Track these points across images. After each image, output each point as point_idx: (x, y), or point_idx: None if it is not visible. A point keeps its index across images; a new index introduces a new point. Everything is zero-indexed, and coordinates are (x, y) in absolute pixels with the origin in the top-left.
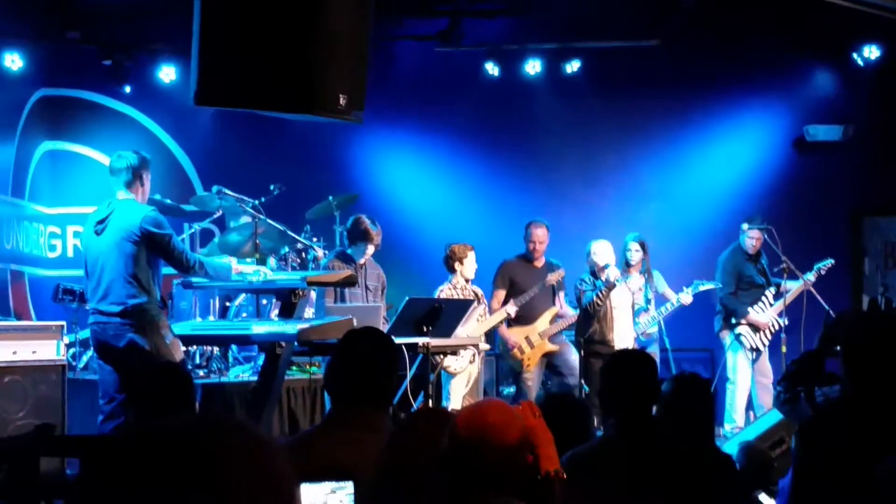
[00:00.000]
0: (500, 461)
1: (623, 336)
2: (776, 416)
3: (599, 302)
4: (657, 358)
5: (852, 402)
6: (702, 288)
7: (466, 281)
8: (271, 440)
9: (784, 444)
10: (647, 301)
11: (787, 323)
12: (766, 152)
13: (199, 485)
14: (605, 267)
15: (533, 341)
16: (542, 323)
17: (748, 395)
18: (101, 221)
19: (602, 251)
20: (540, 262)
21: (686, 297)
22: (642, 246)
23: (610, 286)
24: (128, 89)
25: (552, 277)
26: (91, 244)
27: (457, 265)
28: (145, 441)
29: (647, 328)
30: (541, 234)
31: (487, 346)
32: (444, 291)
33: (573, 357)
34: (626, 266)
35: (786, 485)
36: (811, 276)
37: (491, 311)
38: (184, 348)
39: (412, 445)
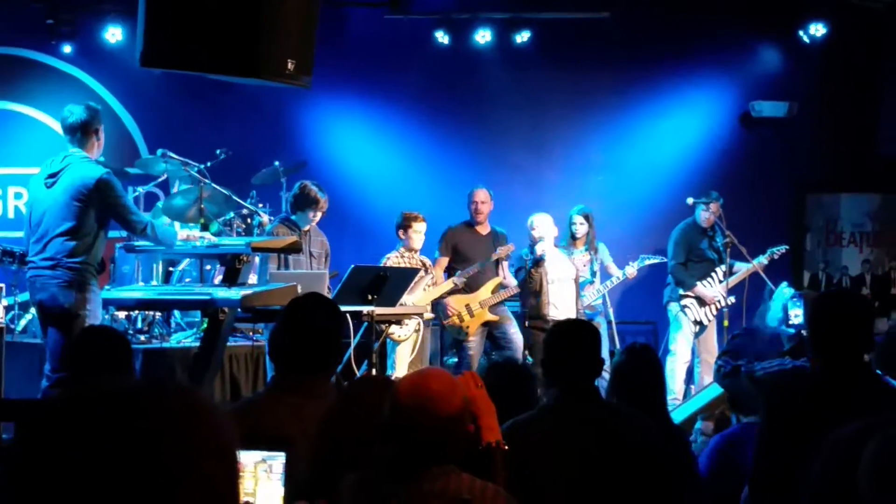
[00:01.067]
0: (441, 430)
1: (562, 309)
2: (716, 390)
3: (530, 278)
4: (602, 330)
5: (819, 373)
6: (647, 262)
7: (414, 250)
8: (214, 405)
9: (724, 418)
10: (593, 274)
11: (734, 302)
12: (712, 127)
13: (140, 450)
14: (539, 241)
15: (473, 310)
16: (484, 292)
17: (688, 367)
18: (53, 175)
19: (541, 224)
20: (484, 229)
21: (631, 271)
22: (587, 218)
23: (536, 261)
24: (68, 49)
25: (502, 252)
26: (39, 196)
27: (401, 233)
28: (84, 405)
29: (592, 301)
30: (482, 195)
31: (432, 315)
32: (392, 260)
33: (513, 330)
34: (571, 239)
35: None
36: (763, 260)
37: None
38: (124, 314)
39: (353, 413)
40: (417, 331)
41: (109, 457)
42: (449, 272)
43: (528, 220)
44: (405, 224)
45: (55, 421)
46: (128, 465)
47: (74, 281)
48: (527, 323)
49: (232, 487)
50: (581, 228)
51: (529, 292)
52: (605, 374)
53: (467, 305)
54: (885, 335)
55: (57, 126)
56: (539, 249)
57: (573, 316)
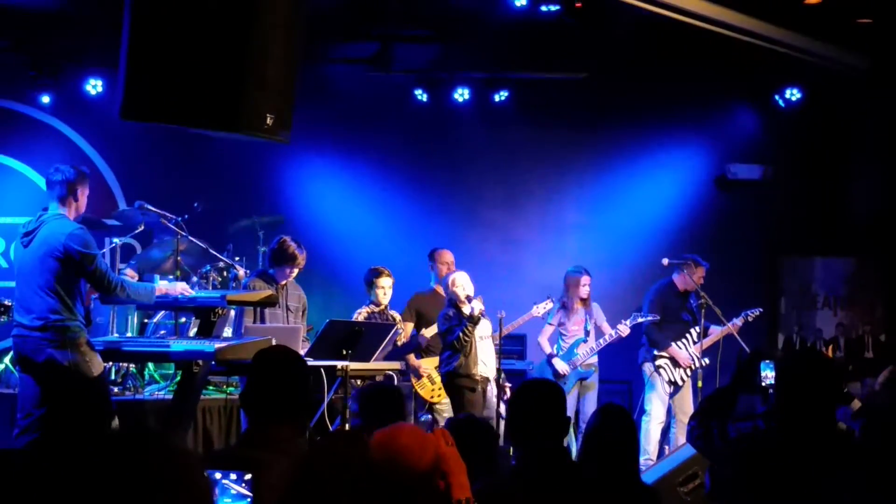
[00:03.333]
0: (412, 485)
1: (488, 366)
2: (689, 450)
3: (466, 338)
4: (596, 389)
5: (784, 432)
6: (640, 320)
7: (382, 306)
8: (193, 453)
9: (697, 479)
10: (587, 332)
11: (708, 363)
12: (688, 189)
13: (125, 495)
14: (469, 300)
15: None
16: None
17: (663, 428)
18: (28, 234)
19: (463, 283)
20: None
21: (624, 329)
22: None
23: (475, 321)
24: (46, 99)
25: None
26: (18, 256)
27: (367, 289)
28: (71, 453)
29: (587, 359)
30: (452, 257)
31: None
32: (362, 315)
33: (488, 388)
34: (577, 300)
35: None
36: (738, 321)
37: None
38: (105, 364)
39: (323, 468)
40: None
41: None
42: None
43: (449, 279)
44: (369, 279)
45: (35, 469)
46: None
47: (67, 339)
48: (454, 381)
49: None
50: (587, 290)
51: (457, 351)
52: None
53: (437, 367)
54: (864, 412)
55: (35, 176)
56: (477, 308)
57: (494, 371)
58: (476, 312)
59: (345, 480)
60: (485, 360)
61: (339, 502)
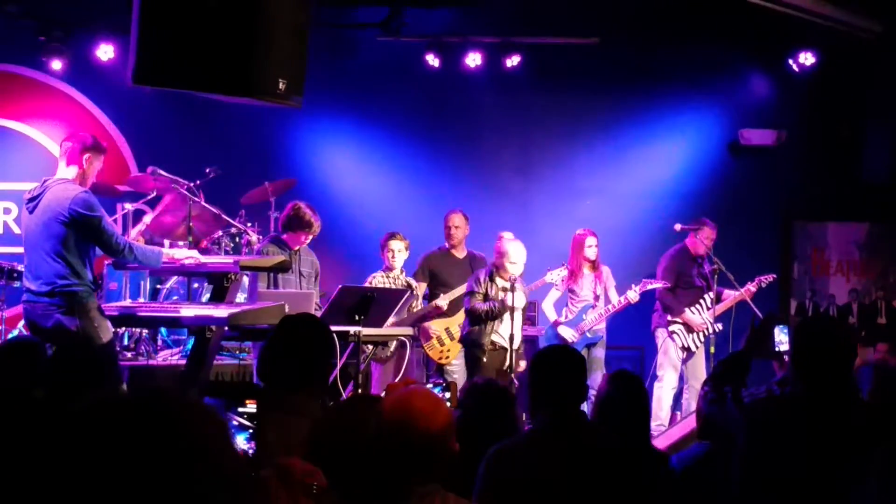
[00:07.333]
0: (425, 447)
1: (504, 338)
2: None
3: (486, 317)
4: (603, 356)
5: (801, 400)
6: (649, 287)
7: (396, 270)
8: (213, 411)
9: None
10: (597, 297)
11: (721, 328)
12: (701, 154)
13: (156, 457)
14: (512, 286)
15: (453, 333)
16: (463, 315)
17: (675, 393)
18: (32, 199)
19: (517, 260)
20: (461, 253)
21: (633, 296)
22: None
23: (494, 315)
24: (58, 65)
25: (535, 285)
26: (25, 222)
27: (381, 252)
28: (105, 413)
29: (594, 325)
30: (456, 219)
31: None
32: (376, 279)
33: (506, 356)
34: (587, 263)
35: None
36: (751, 287)
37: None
38: (114, 330)
39: (339, 430)
40: (403, 347)
41: (124, 462)
42: (429, 298)
43: (504, 247)
44: (382, 242)
45: (70, 429)
46: (143, 470)
47: (75, 304)
48: (467, 346)
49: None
50: (594, 251)
51: (475, 321)
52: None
53: (447, 329)
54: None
55: (47, 142)
56: (510, 300)
57: (516, 344)
58: (508, 303)
59: (359, 443)
60: (501, 333)
61: (353, 464)
